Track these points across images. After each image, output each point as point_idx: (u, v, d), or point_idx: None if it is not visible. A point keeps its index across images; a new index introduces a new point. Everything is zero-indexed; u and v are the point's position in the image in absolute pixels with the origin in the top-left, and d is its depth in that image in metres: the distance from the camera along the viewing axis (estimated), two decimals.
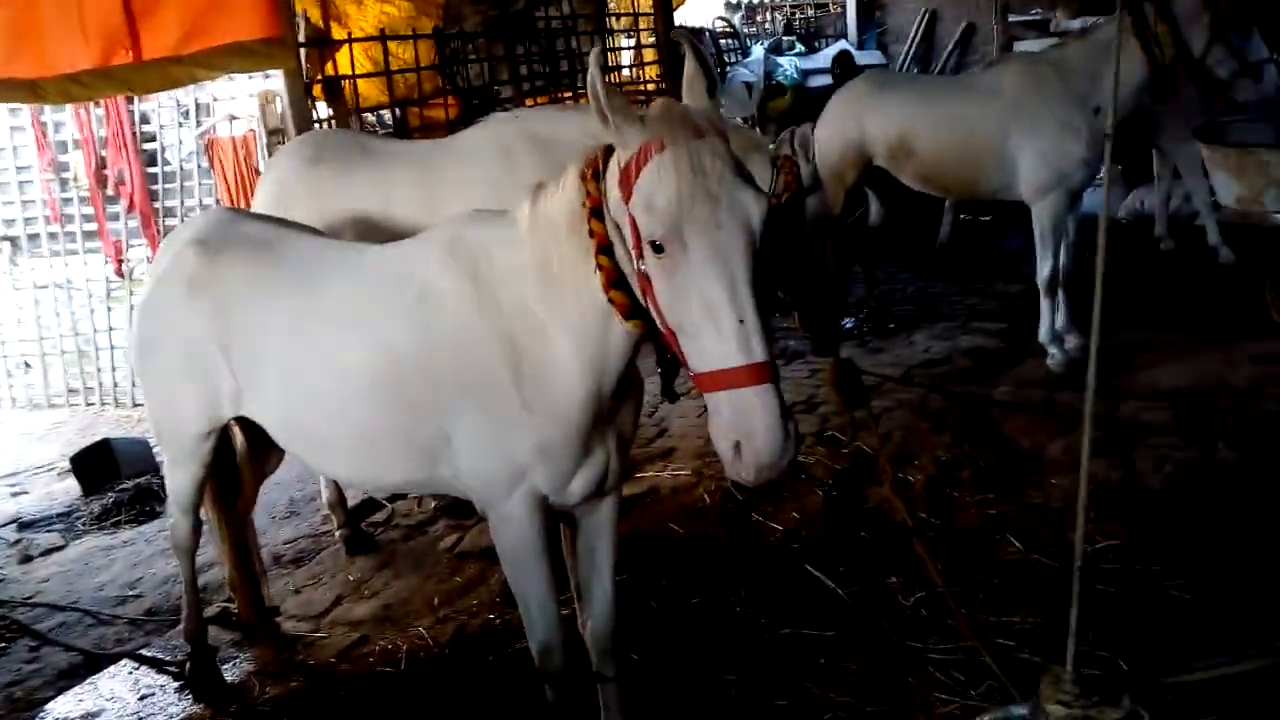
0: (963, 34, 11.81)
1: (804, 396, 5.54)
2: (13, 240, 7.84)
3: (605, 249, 2.11)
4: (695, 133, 1.94)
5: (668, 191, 1.86)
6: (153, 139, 7.59)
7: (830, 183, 6.27)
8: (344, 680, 3.48)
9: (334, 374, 2.63)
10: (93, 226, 7.67)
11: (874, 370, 5.87)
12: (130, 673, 3.86)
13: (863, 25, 12.37)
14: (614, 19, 9.52)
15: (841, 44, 11.48)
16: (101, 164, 7.52)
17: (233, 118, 7.42)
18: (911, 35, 12.06)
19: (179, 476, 3.28)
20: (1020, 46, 10.31)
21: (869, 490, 4.29)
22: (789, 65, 11.10)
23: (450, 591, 3.99)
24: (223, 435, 3.24)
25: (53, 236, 7.76)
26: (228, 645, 3.92)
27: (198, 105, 7.54)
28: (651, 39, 9.91)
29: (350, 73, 7.29)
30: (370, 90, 7.71)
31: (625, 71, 10.06)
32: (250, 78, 7.20)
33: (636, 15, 9.60)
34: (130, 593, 4.66)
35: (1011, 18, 11.21)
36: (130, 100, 7.34)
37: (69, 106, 7.26)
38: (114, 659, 3.99)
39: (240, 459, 3.50)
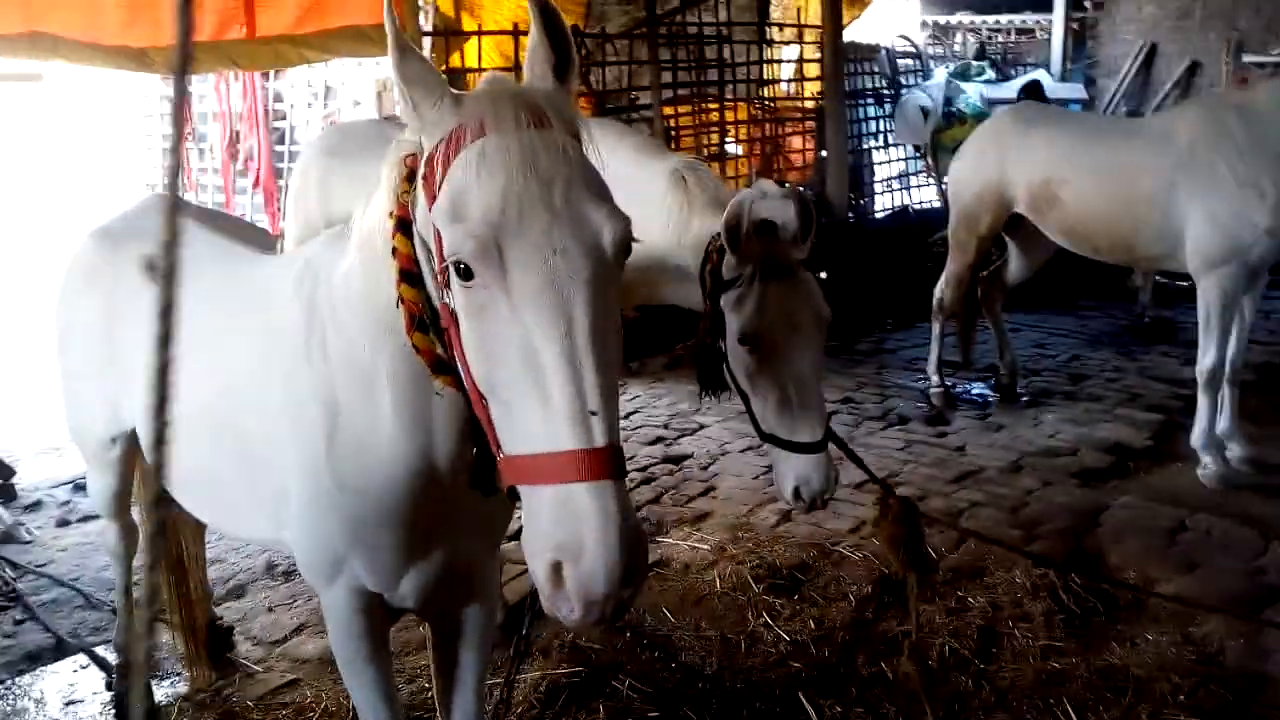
0: (1185, 73, 10.37)
1: (885, 472, 4.75)
2: None
3: (410, 276, 1.56)
4: (533, 120, 1.39)
5: (485, 192, 1.32)
6: (284, 117, 7.65)
7: (963, 228, 5.47)
8: None
9: (188, 404, 2.23)
10: (223, 197, 7.81)
11: (983, 453, 5.04)
12: (77, 670, 3.67)
13: (1070, 55, 11.11)
14: (776, 29, 8.88)
15: (1038, 73, 10.31)
16: (235, 138, 7.64)
17: (356, 102, 7.36)
18: (1125, 70, 10.71)
19: (95, 480, 3.00)
20: None
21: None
22: (973, 93, 10.06)
23: (400, 644, 3.55)
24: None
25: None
26: (179, 658, 3.66)
27: (328, 88, 7.53)
28: (816, 54, 9.22)
29: (477, 65, 7.07)
30: None
31: (784, 86, 9.39)
32: (378, 63, 7.09)
33: (801, 27, 8.94)
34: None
35: (1246, 58, 9.74)
36: (266, 78, 7.41)
37: (211, 78, 7.40)
38: (76, 651, 3.82)
39: None
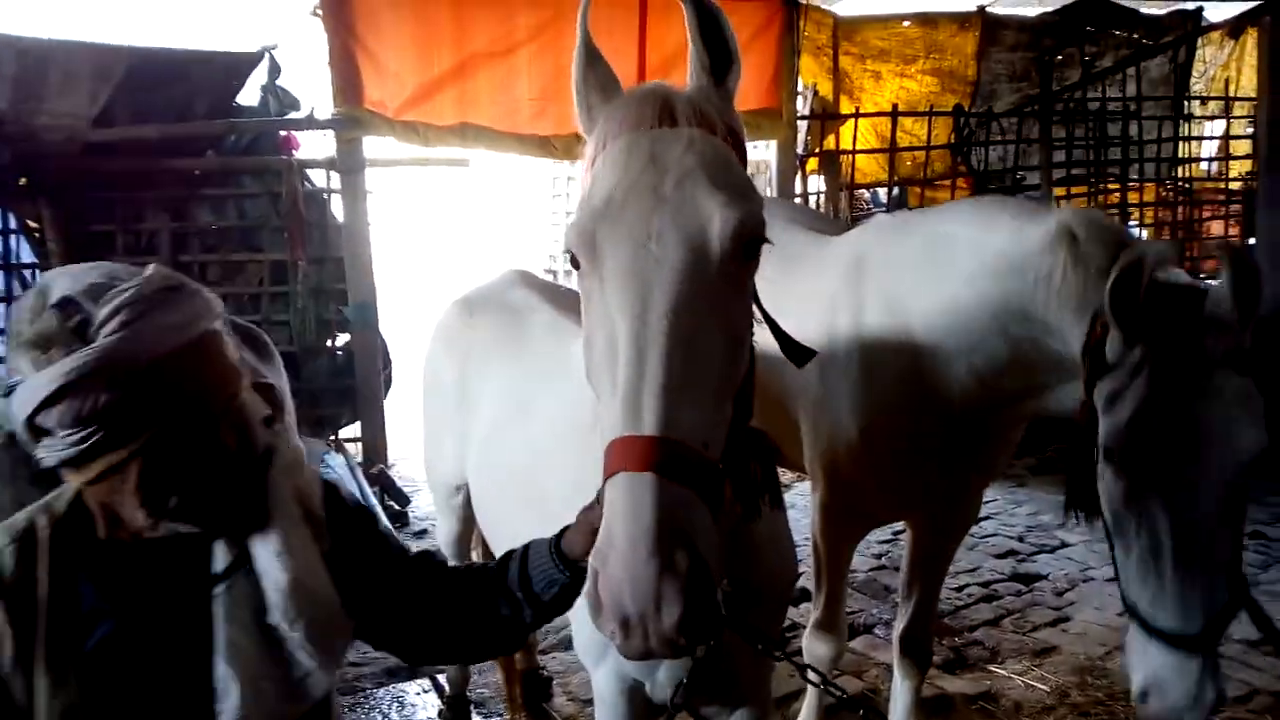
0: None
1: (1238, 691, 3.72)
2: (554, 274, 9.03)
3: None
4: (665, 119, 1.34)
5: (601, 187, 1.32)
6: None
7: None
8: None
9: (503, 466, 2.39)
10: None
11: None
12: (419, 692, 4.04)
13: None
14: (1198, 103, 7.91)
15: None
16: None
17: None
18: None
19: (441, 523, 3.31)
20: None
21: None
22: None
23: None
24: None
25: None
26: (501, 700, 3.90)
27: None
28: (1249, 129, 8.05)
29: (852, 147, 7.06)
30: (871, 166, 7.40)
31: (1204, 166, 8.31)
32: (754, 147, 7.33)
33: (1229, 99, 7.86)
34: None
35: None
36: None
37: None
38: (423, 675, 4.21)
39: None
